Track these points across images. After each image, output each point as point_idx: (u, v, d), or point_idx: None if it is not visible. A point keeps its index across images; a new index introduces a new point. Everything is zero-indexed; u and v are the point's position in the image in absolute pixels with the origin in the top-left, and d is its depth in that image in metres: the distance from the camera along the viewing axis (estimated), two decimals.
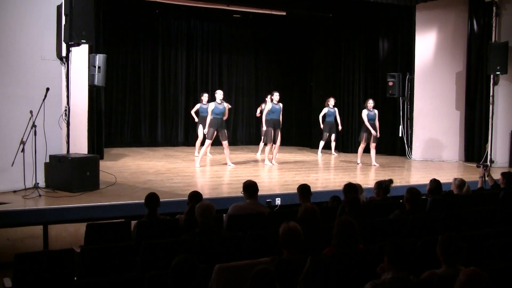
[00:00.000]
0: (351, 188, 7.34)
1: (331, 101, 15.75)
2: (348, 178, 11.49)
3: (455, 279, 3.67)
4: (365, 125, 13.61)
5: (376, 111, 13.75)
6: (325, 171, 12.92)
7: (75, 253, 5.06)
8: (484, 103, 14.48)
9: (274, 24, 18.99)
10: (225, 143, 12.84)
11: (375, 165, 13.64)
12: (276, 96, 13.30)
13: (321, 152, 15.95)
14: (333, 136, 15.94)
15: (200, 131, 14.32)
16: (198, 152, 13.48)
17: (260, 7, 16.76)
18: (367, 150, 13.91)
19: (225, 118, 12.86)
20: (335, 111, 15.76)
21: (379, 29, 16.87)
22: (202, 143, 13.51)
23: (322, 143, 15.97)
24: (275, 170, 12.82)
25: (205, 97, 14.75)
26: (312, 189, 7.18)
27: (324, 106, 15.81)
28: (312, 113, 18.38)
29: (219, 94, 12.71)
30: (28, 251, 5.91)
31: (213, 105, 12.53)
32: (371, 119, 13.66)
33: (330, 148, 16.28)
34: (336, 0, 14.48)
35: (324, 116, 15.78)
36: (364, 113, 13.59)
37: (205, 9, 17.15)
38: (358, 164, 13.73)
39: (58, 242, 7.83)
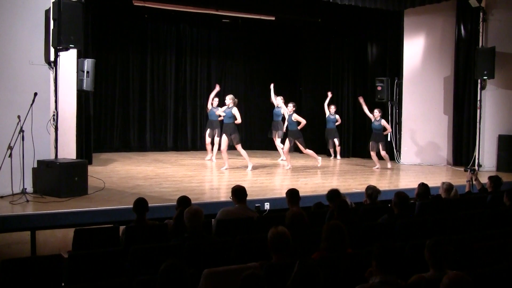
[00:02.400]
0: (335, 194, 7.36)
1: (332, 108, 15.82)
2: (338, 182, 11.56)
3: None
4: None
5: (382, 121, 14.23)
6: (314, 175, 12.94)
7: (63, 259, 5.04)
8: (472, 108, 14.58)
9: (263, 29, 18.99)
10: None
11: (390, 168, 14.18)
12: (290, 106, 13.68)
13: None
14: (336, 141, 15.99)
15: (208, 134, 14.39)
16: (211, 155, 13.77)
17: (249, 12, 16.76)
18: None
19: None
20: (335, 118, 15.80)
21: (367, 34, 16.94)
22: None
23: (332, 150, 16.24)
24: (264, 174, 12.83)
25: (215, 101, 14.77)
26: (301, 194, 7.19)
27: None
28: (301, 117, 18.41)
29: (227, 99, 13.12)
30: (16, 257, 5.87)
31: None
32: (375, 129, 14.20)
33: (330, 154, 16.51)
34: (325, 5, 14.49)
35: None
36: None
37: (194, 14, 17.13)
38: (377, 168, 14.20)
39: (46, 247, 7.78)
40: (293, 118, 13.49)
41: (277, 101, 15.20)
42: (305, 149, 13.75)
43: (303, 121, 13.50)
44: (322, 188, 10.84)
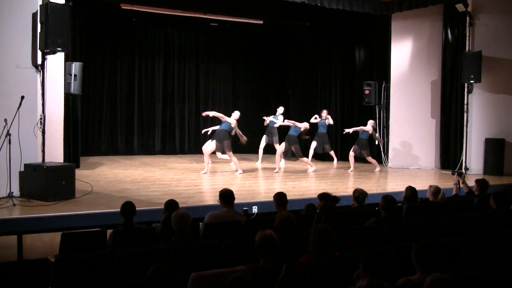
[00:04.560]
0: (327, 198, 7.36)
1: (324, 113, 15.78)
2: (326, 185, 11.57)
3: None
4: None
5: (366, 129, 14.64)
6: (302, 179, 12.95)
7: (50, 263, 5.01)
8: (459, 111, 14.65)
9: (251, 33, 19.03)
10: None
11: (378, 170, 14.51)
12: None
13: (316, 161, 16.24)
14: (327, 147, 15.92)
15: None
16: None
17: (237, 16, 16.79)
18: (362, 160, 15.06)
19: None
20: (325, 122, 15.71)
21: (355, 38, 17.02)
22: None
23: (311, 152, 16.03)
24: (252, 178, 12.83)
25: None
26: (289, 197, 7.20)
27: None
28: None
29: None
30: (2, 261, 5.83)
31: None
32: (360, 136, 14.58)
33: (327, 159, 16.59)
34: (313, 9, 14.54)
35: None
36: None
37: (182, 18, 17.13)
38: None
39: (33, 251, 7.75)
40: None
41: (279, 110, 15.65)
42: (301, 157, 13.89)
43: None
44: (310, 191, 10.86)
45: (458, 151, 14.66)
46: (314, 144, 15.72)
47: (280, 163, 14.51)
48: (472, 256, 5.19)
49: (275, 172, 13.60)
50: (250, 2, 15.56)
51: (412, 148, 15.53)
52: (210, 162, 13.60)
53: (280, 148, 14.12)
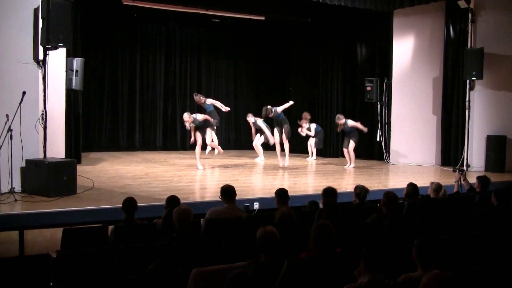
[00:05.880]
0: (330, 193, 7.36)
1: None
2: (327, 182, 11.55)
3: None
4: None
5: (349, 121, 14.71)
6: (303, 175, 12.95)
7: (51, 258, 5.02)
8: (461, 108, 14.64)
9: (253, 29, 19.03)
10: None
11: (347, 168, 14.37)
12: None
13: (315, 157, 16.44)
14: (313, 142, 16.09)
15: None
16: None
17: (239, 12, 16.77)
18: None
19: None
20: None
21: (357, 35, 17.00)
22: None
23: (314, 150, 16.27)
24: (253, 174, 12.84)
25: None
26: (290, 194, 7.20)
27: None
28: (290, 118, 18.47)
29: None
30: (3, 257, 5.83)
31: None
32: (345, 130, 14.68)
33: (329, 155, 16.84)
34: (314, 5, 14.51)
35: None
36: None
37: (184, 14, 17.12)
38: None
39: (34, 247, 7.75)
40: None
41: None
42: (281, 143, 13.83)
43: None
44: (311, 187, 10.87)
45: (460, 148, 14.65)
46: (312, 141, 15.84)
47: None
48: (473, 253, 5.19)
49: (281, 167, 13.59)
50: None
51: (413, 145, 15.50)
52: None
53: (276, 141, 13.97)
